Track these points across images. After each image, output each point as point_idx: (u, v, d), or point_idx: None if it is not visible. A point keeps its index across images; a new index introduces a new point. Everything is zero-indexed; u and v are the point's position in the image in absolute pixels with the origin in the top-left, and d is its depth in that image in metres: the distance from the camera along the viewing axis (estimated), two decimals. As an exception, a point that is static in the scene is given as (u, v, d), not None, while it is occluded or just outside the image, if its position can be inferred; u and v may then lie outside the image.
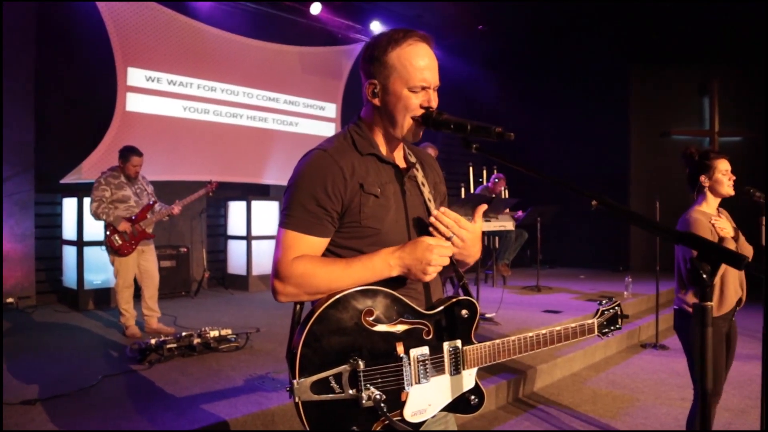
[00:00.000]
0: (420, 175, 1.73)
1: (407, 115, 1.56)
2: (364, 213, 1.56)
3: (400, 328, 1.52)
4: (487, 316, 5.98)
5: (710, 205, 3.19)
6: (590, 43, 11.17)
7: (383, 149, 1.65)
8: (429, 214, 1.69)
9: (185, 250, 7.75)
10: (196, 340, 4.59)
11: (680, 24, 10.35)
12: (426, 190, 1.72)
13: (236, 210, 8.70)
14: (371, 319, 1.49)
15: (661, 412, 4.42)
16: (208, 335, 4.68)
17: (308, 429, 1.43)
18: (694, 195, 3.24)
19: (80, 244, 6.70)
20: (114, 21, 7.33)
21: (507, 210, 8.00)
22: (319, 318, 1.44)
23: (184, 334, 4.61)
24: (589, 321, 1.83)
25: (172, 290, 7.38)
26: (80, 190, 6.76)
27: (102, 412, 3.30)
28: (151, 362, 4.30)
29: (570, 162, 11.45)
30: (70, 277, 6.94)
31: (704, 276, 1.11)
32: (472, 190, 8.85)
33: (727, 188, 3.15)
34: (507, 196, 9.19)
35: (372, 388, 1.46)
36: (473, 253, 1.62)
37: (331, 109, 10.25)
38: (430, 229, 1.57)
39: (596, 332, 1.85)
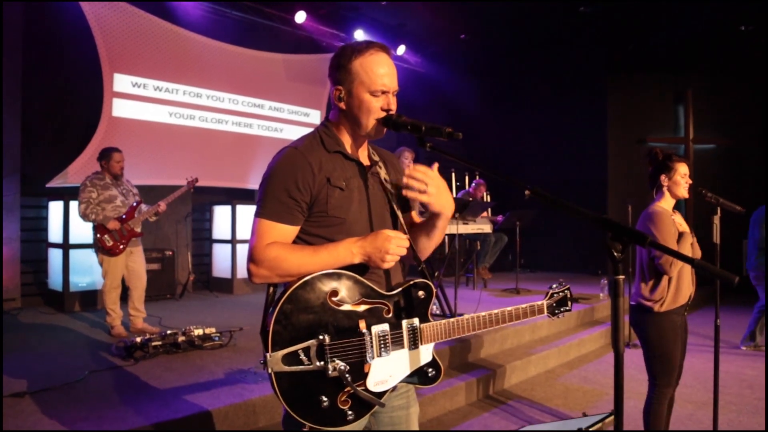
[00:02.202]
0: (383, 172, 1.91)
1: (370, 117, 1.75)
2: (331, 204, 1.74)
3: (362, 307, 1.70)
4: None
5: (667, 203, 3.40)
6: (569, 53, 11.47)
7: (348, 148, 1.83)
8: (391, 207, 1.88)
9: (170, 253, 7.86)
10: (181, 338, 4.72)
11: (656, 35, 10.67)
12: (388, 185, 1.90)
13: (221, 214, 8.84)
14: (336, 299, 1.66)
15: (627, 405, 4.62)
16: (192, 333, 4.81)
17: (281, 397, 1.60)
18: (653, 193, 3.46)
19: (66, 246, 6.80)
20: (100, 28, 7.46)
21: (485, 213, 8.20)
22: (290, 298, 1.61)
23: (168, 332, 4.74)
24: (539, 303, 2.00)
25: (157, 293, 7.49)
26: (66, 194, 6.87)
27: (88, 403, 3.43)
28: (136, 359, 4.43)
29: (550, 167, 11.72)
30: (55, 280, 7.03)
31: (615, 254, 1.30)
32: (453, 195, 9.05)
33: (683, 190, 3.36)
34: (488, 200, 9.40)
35: (337, 360, 1.63)
36: (446, 202, 1.74)
37: (316, 116, 10.42)
38: (404, 191, 1.70)
39: (546, 312, 2.02)
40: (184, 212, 8.41)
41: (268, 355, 1.58)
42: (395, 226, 1.88)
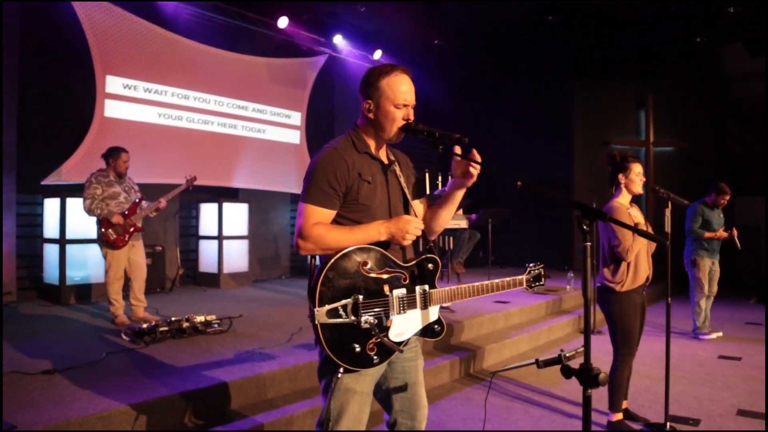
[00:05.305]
0: (398, 169, 2.37)
1: (394, 125, 2.20)
2: (361, 194, 2.18)
3: (386, 275, 2.15)
4: (444, 305, 6.64)
5: (625, 198, 3.94)
6: (538, 59, 12.10)
7: (373, 149, 2.28)
8: (405, 197, 2.34)
9: (160, 248, 8.18)
10: (185, 324, 5.08)
11: (620, 44, 11.36)
12: (402, 180, 2.36)
13: (208, 211, 9.17)
14: (367, 268, 2.11)
15: (592, 380, 5.14)
16: (195, 320, 5.17)
17: (324, 344, 2.03)
18: (612, 189, 3.99)
19: (62, 242, 7.08)
20: (94, 31, 7.74)
21: (460, 211, 8.70)
22: (332, 266, 2.05)
23: (173, 318, 5.09)
24: (520, 277, 2.48)
25: (148, 286, 7.72)
26: (64, 191, 7.16)
27: (115, 378, 3.80)
28: (146, 343, 4.78)
29: (519, 168, 12.30)
30: (51, 274, 7.28)
31: (585, 227, 1.77)
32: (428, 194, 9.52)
33: (638, 187, 3.90)
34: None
35: (367, 316, 2.07)
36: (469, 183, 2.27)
37: (297, 117, 10.80)
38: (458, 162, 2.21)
39: (525, 285, 2.50)
40: (173, 210, 8.72)
41: (315, 310, 2.01)
42: (407, 212, 2.34)
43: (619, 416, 4.06)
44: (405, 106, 2.20)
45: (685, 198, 4.27)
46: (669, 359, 4.16)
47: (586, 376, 1.72)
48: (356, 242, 2.11)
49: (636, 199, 4.04)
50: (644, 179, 3.89)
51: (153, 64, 8.49)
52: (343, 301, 2.05)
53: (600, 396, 4.22)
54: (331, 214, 2.16)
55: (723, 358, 6.10)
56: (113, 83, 8.02)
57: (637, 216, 3.84)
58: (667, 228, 3.92)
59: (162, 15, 8.54)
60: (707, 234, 6.67)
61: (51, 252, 7.32)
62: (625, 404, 4.22)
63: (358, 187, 2.17)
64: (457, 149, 2.22)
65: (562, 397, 4.81)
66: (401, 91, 2.18)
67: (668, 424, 3.98)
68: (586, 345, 1.80)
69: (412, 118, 2.22)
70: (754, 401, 4.67)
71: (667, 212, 3.92)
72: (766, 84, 10.58)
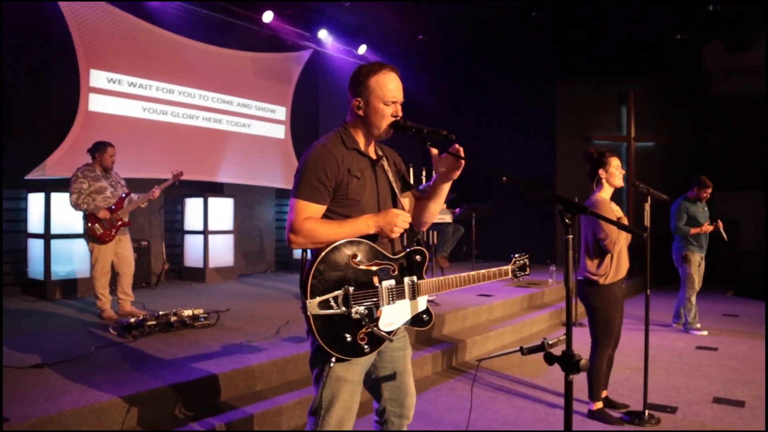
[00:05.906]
0: (386, 164, 2.43)
1: (383, 122, 2.26)
2: (350, 189, 2.25)
3: (375, 267, 2.22)
4: (429, 298, 6.73)
5: (606, 193, 4.04)
6: (521, 56, 12.22)
7: (362, 146, 2.34)
8: (393, 191, 2.40)
9: (146, 243, 8.18)
10: (173, 318, 5.11)
11: (602, 41, 11.51)
12: (390, 174, 2.43)
13: (193, 206, 9.16)
14: (356, 260, 2.18)
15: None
16: (182, 314, 5.21)
17: (316, 335, 2.09)
18: (594, 185, 4.10)
19: (47, 236, 7.05)
20: (78, 24, 7.70)
21: (444, 205, 8.80)
22: (323, 259, 2.12)
23: (161, 312, 5.12)
24: (505, 267, 2.57)
25: (134, 281, 7.72)
26: (49, 185, 7.13)
27: (106, 371, 3.84)
28: (134, 337, 4.80)
29: (502, 163, 12.44)
30: (36, 269, 7.26)
31: (567, 220, 1.85)
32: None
33: (619, 180, 4.02)
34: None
35: (358, 307, 2.14)
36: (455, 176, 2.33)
37: (281, 112, 10.81)
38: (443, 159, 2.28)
39: (510, 275, 2.59)
40: (158, 204, 8.71)
41: (307, 301, 2.08)
42: (395, 206, 2.41)
43: (599, 405, 4.18)
44: (393, 103, 2.27)
45: (666, 192, 4.40)
46: (648, 350, 4.29)
47: (568, 362, 1.80)
48: (346, 236, 2.18)
49: (616, 194, 4.15)
50: (623, 171, 4.00)
51: (137, 58, 8.46)
52: (334, 293, 2.12)
53: (581, 386, 4.33)
54: (321, 209, 2.22)
55: (700, 348, 6.26)
56: (97, 77, 7.98)
57: (618, 210, 3.95)
58: (647, 222, 4.03)
59: (147, 9, 8.52)
60: (693, 230, 6.77)
61: (35, 247, 7.29)
62: (605, 393, 4.34)
63: (348, 183, 2.24)
64: (434, 151, 2.31)
65: (544, 387, 4.92)
66: (390, 88, 2.25)
67: (647, 411, 4.10)
68: (568, 333, 1.89)
69: (400, 114, 2.29)
70: (729, 389, 4.82)
71: (647, 207, 4.03)
72: (766, 80, 10.74)
